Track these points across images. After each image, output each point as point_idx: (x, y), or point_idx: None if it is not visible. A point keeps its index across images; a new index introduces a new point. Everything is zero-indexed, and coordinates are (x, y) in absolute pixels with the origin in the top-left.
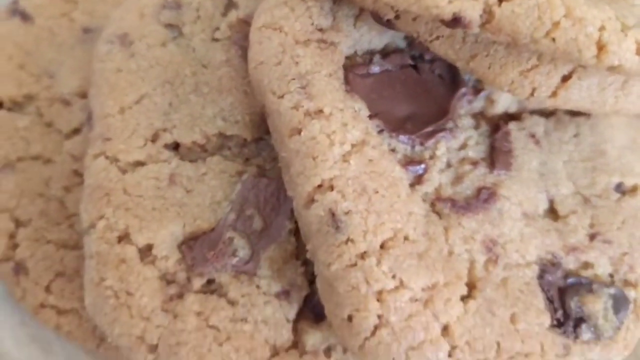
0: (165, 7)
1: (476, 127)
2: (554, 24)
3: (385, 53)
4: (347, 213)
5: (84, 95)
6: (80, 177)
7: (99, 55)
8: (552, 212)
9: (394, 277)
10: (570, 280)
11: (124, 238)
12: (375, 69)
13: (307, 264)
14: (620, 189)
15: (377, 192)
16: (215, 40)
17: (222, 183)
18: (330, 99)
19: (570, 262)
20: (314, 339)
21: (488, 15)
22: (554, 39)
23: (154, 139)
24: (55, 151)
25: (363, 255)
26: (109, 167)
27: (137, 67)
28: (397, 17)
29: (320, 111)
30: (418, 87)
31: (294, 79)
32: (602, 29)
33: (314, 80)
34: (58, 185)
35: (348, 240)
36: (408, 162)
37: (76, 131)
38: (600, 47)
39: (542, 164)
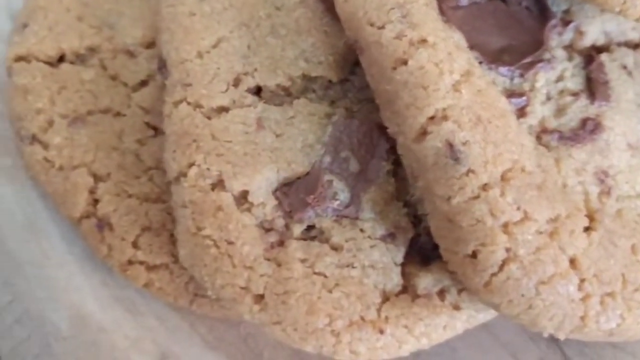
0: None
1: (569, 59)
2: None
3: None
4: (464, 143)
5: (148, 45)
6: (153, 130)
7: (167, 0)
8: None
9: (518, 208)
10: None
11: (217, 185)
12: (464, 1)
13: (409, 205)
14: None
15: (490, 122)
16: None
17: (311, 126)
18: (432, 27)
19: None
20: (425, 281)
21: None
22: None
23: (236, 83)
24: (123, 104)
25: (485, 187)
26: (192, 113)
27: (211, 10)
28: None
29: (425, 40)
30: (508, 19)
31: (393, 8)
32: None
33: (414, 9)
34: (131, 138)
35: (469, 171)
36: (509, 94)
37: (143, 83)
38: None
39: (636, 94)
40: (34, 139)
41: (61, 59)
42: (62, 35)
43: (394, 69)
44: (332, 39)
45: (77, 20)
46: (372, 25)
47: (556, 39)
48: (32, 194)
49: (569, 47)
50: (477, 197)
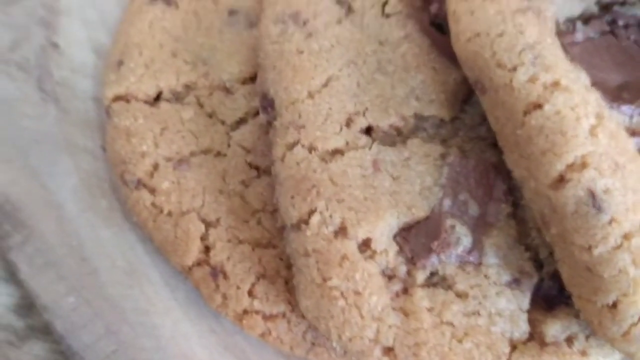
0: None
1: None
2: None
3: (585, 18)
4: (606, 191)
5: (244, 81)
6: (256, 170)
7: (271, 37)
8: None
9: None
10: None
11: (340, 232)
12: (579, 36)
13: (530, 248)
14: None
15: (625, 166)
16: (387, 15)
17: (428, 167)
18: (564, 69)
19: None
20: (553, 328)
21: None
22: None
23: (348, 123)
24: (223, 143)
25: (627, 236)
26: (308, 156)
27: (319, 48)
28: None
29: (558, 83)
30: (622, 54)
31: (524, 50)
32: None
33: (545, 50)
34: (235, 180)
35: (612, 220)
36: (631, 133)
37: (242, 121)
38: None
39: None
40: (139, 183)
41: (157, 97)
42: (159, 72)
43: (527, 113)
44: (442, 75)
45: (171, 56)
46: (501, 67)
47: None
48: (132, 237)
49: None
50: (620, 246)
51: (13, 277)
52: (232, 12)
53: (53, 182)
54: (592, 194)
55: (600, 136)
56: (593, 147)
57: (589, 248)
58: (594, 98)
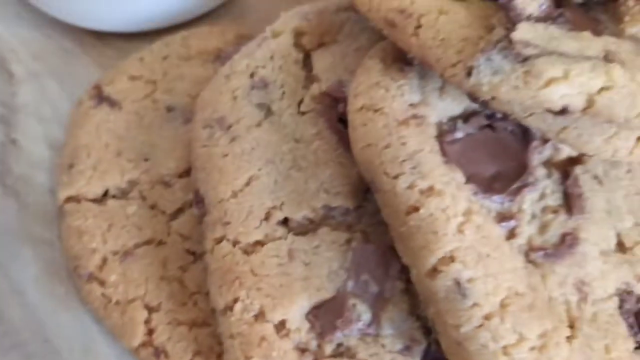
0: (254, 87)
1: (549, 175)
2: None
3: (465, 117)
4: (469, 280)
5: (181, 175)
6: (192, 255)
7: (200, 140)
8: (621, 246)
9: (514, 331)
10: None
11: (259, 316)
12: (459, 134)
13: (420, 318)
14: None
15: (488, 255)
16: (302, 113)
17: (335, 253)
18: (438, 174)
19: None
20: None
21: (590, 103)
22: None
23: (267, 217)
24: (164, 232)
25: (488, 316)
26: (232, 250)
27: (241, 151)
28: (493, 98)
29: (432, 188)
30: (497, 146)
31: (405, 160)
32: None
33: (422, 158)
34: (174, 266)
35: (474, 304)
36: (501, 218)
37: (179, 210)
38: None
39: (607, 201)
40: (91, 277)
41: (106, 193)
42: (105, 173)
43: (408, 214)
44: (347, 169)
45: (116, 155)
46: (387, 175)
47: (537, 158)
48: (87, 319)
49: (548, 162)
50: (481, 325)
51: None
52: (169, 109)
53: (15, 272)
54: (458, 283)
55: (466, 232)
56: (459, 243)
57: (457, 327)
58: (465, 196)
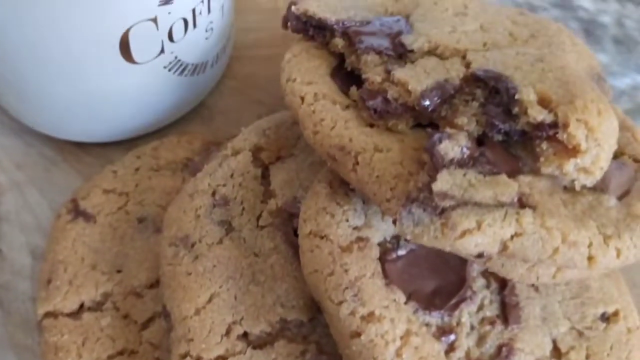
0: (215, 205)
1: (487, 285)
2: (554, 250)
3: None
4: None
5: (152, 285)
6: None
7: (167, 258)
8: (556, 351)
9: None
10: None
11: None
12: (402, 251)
13: None
14: (604, 317)
15: None
16: (261, 227)
17: None
18: (378, 299)
19: None
20: None
21: (504, 248)
22: (555, 260)
23: (228, 332)
24: (136, 342)
25: None
26: None
27: (203, 269)
28: None
29: (372, 314)
30: (437, 260)
31: (347, 288)
32: (590, 245)
33: (363, 285)
34: None
35: None
36: (441, 333)
37: (150, 320)
38: (590, 258)
39: (542, 308)
40: None
41: (81, 306)
42: (80, 287)
43: (351, 337)
44: (301, 283)
45: (91, 268)
46: (331, 301)
47: (476, 269)
48: None
49: (486, 272)
50: None
51: None
52: (140, 220)
53: None
54: None
55: (404, 356)
56: None
57: None
58: (405, 317)
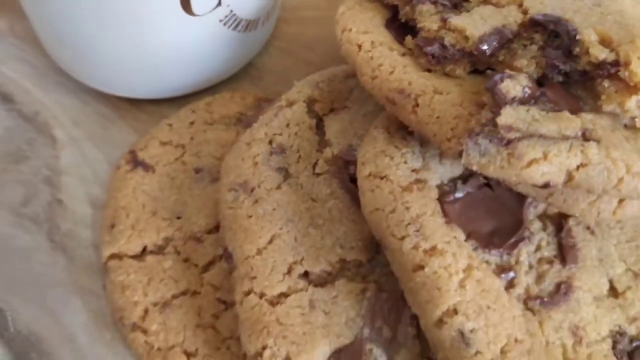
0: (272, 153)
1: (544, 228)
2: (619, 179)
3: (464, 178)
4: (472, 331)
5: (210, 231)
6: (224, 304)
7: (227, 202)
8: (613, 291)
9: None
10: (636, 343)
11: None
12: (459, 194)
13: None
14: None
15: (489, 307)
16: (317, 175)
17: (351, 302)
18: (439, 235)
19: (632, 330)
20: None
21: (569, 178)
22: (619, 190)
23: (289, 271)
24: (197, 283)
25: None
26: (260, 302)
27: (263, 212)
28: None
29: (434, 248)
30: (494, 203)
31: (409, 224)
32: None
33: (424, 222)
34: (208, 314)
35: (477, 352)
36: (500, 270)
37: (211, 263)
38: None
39: (598, 250)
40: (134, 326)
41: (144, 249)
42: (143, 231)
43: (414, 272)
44: (359, 225)
45: (152, 215)
46: (394, 236)
47: (532, 212)
48: None
49: (543, 216)
50: None
51: None
52: (197, 170)
53: (66, 319)
54: (461, 334)
55: (467, 287)
56: (461, 297)
57: None
58: (465, 253)
